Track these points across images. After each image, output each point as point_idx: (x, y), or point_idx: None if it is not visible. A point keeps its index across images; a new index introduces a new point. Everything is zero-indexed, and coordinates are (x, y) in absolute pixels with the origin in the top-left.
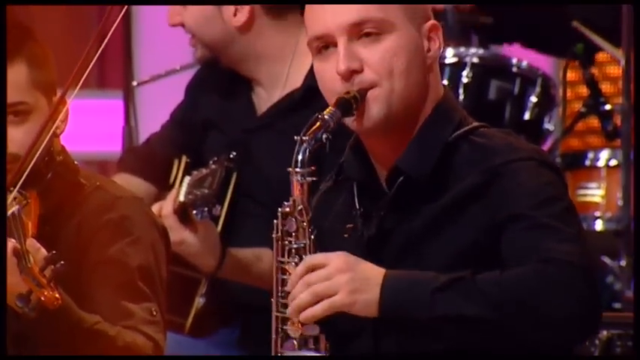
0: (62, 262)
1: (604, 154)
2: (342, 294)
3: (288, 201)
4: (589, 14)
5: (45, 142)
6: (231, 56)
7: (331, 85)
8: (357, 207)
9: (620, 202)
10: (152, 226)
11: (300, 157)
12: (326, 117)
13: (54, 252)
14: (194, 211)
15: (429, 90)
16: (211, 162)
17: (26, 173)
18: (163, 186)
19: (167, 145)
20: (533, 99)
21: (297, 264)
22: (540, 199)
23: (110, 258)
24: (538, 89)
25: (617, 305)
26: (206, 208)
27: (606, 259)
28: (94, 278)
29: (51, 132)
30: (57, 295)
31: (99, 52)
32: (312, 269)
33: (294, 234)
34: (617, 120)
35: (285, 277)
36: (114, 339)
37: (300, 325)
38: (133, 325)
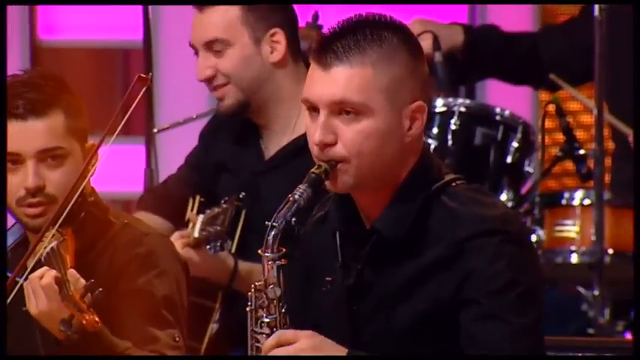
0: (100, 290)
1: (579, 194)
2: None
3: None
4: (562, 59)
5: (80, 187)
6: (260, 99)
7: (311, 145)
8: (340, 258)
9: (593, 238)
10: (175, 261)
11: (270, 242)
12: (296, 196)
13: (92, 280)
14: (207, 246)
15: (406, 160)
16: (223, 202)
17: (64, 215)
18: (179, 223)
19: (182, 186)
20: (515, 144)
21: (268, 335)
22: (497, 287)
23: (138, 289)
24: (519, 135)
25: (591, 331)
26: (218, 243)
27: (581, 289)
28: (124, 307)
29: (86, 179)
30: (96, 319)
31: (123, 121)
32: (280, 344)
33: (265, 308)
34: (591, 163)
35: (258, 345)
36: None
37: None
38: (158, 350)
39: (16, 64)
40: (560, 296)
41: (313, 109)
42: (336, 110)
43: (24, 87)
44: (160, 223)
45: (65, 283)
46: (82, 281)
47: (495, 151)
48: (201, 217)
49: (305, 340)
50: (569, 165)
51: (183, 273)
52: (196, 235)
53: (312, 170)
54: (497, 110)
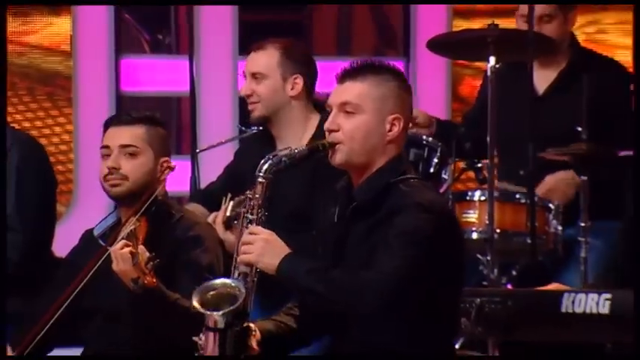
0: (157, 260)
1: (477, 193)
2: (253, 254)
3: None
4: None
5: (154, 194)
6: (277, 117)
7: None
8: (335, 219)
9: (486, 222)
10: (216, 240)
11: (263, 167)
12: (295, 150)
13: (153, 254)
14: (235, 222)
15: (384, 153)
16: (247, 192)
17: (143, 209)
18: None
19: (220, 188)
20: (435, 160)
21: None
22: (401, 230)
23: (190, 259)
24: (438, 154)
25: (485, 283)
26: None
27: (479, 256)
28: (180, 271)
29: (158, 190)
30: (154, 280)
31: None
32: (251, 233)
33: (250, 211)
34: (485, 173)
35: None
36: (188, 307)
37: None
38: None
39: (106, 108)
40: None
41: (330, 109)
42: (342, 109)
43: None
44: (203, 212)
45: (136, 255)
46: (147, 254)
47: (423, 165)
48: (231, 202)
49: (264, 234)
50: (471, 174)
51: (220, 249)
52: (228, 214)
53: (314, 143)
54: (424, 137)
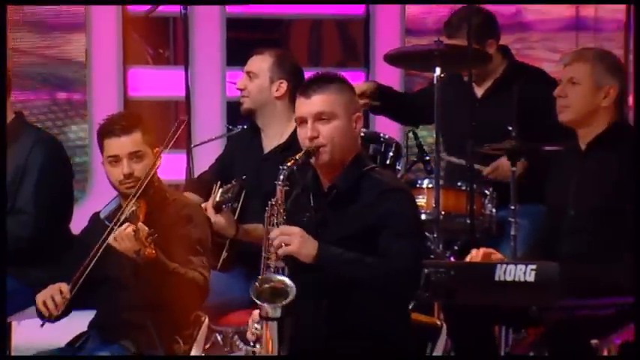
0: (156, 235)
1: (426, 181)
2: (293, 245)
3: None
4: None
5: (150, 175)
6: (262, 111)
7: (303, 142)
8: (312, 204)
9: (433, 205)
10: (205, 218)
11: (281, 177)
12: (297, 158)
13: (152, 230)
14: (223, 206)
15: (354, 148)
16: (233, 180)
17: (139, 191)
18: (207, 198)
19: (210, 177)
20: (391, 153)
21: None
22: (399, 215)
23: (183, 234)
24: (393, 149)
25: (432, 256)
26: (230, 204)
27: (427, 234)
28: (175, 244)
29: (153, 171)
30: (153, 252)
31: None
32: (283, 233)
33: (274, 214)
34: (432, 164)
35: (269, 237)
36: (184, 274)
37: (274, 260)
38: (194, 268)
39: (115, 110)
40: None
41: (302, 122)
42: (318, 118)
43: (119, 118)
44: (197, 198)
45: (137, 231)
46: (146, 229)
47: (381, 158)
48: (220, 189)
49: (298, 230)
50: (420, 165)
51: (209, 225)
52: (218, 199)
53: (306, 149)
54: (382, 134)
